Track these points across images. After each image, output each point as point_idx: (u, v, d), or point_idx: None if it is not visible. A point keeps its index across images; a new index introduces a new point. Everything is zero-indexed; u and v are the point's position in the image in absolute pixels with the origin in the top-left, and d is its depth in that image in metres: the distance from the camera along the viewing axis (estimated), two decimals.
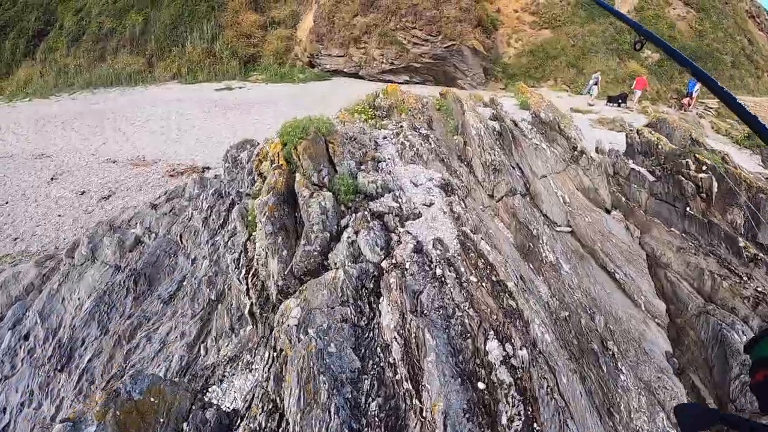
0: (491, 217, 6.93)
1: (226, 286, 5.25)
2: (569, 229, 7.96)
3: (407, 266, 3.90)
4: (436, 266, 3.99)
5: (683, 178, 8.51)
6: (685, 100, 28.54)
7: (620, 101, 24.23)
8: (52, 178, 13.09)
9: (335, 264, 4.13)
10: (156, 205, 6.95)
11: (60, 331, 5.33)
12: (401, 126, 7.86)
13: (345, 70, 26.03)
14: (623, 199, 9.78)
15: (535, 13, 32.91)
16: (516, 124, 9.55)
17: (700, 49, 33.67)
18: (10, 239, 10.23)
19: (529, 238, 6.78)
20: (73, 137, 16.82)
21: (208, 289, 5.33)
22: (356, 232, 4.29)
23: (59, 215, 11.43)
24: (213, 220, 6.15)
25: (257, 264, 4.57)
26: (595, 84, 25.47)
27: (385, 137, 7.38)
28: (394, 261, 3.93)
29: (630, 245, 8.17)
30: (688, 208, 8.46)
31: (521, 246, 6.78)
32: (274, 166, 5.31)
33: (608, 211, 9.30)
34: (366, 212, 4.60)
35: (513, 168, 8.06)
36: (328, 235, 4.38)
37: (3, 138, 18.11)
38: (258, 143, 8.44)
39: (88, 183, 12.52)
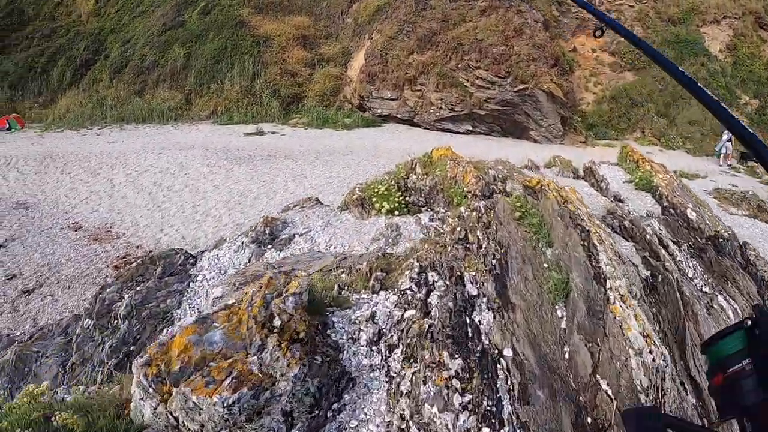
0: None
1: None
2: None
3: None
4: None
5: None
6: None
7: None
8: (0, 245, 10.47)
9: None
10: None
11: None
12: (431, 291, 3.74)
13: (398, 115, 22.81)
14: None
15: (616, 52, 29.03)
16: (665, 245, 5.19)
17: None
18: None
19: None
20: (64, 184, 14.56)
21: None
22: None
23: None
24: None
25: None
26: (729, 140, 20.43)
27: (375, 340, 3.38)
28: None
29: None
30: None
31: None
32: None
33: None
34: None
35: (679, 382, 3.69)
36: None
37: (6, 174, 16.24)
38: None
39: (28, 260, 9.69)
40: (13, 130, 26.41)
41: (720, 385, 1.04)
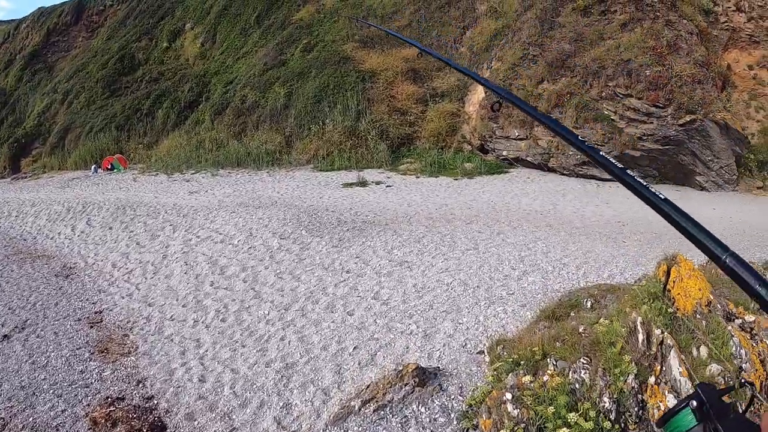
0: None
1: None
2: None
3: None
4: None
5: None
6: None
7: None
8: (4, 336, 7.88)
9: None
10: None
11: None
12: None
13: (528, 158, 18.90)
14: None
15: None
16: None
17: None
18: None
19: None
20: (119, 248, 12.35)
21: None
22: None
23: None
24: None
25: None
26: None
27: None
28: None
29: None
30: None
31: None
32: None
33: None
34: None
35: None
36: None
37: (75, 225, 14.73)
38: None
39: (15, 372, 6.36)
40: (116, 170, 26.57)
41: None
